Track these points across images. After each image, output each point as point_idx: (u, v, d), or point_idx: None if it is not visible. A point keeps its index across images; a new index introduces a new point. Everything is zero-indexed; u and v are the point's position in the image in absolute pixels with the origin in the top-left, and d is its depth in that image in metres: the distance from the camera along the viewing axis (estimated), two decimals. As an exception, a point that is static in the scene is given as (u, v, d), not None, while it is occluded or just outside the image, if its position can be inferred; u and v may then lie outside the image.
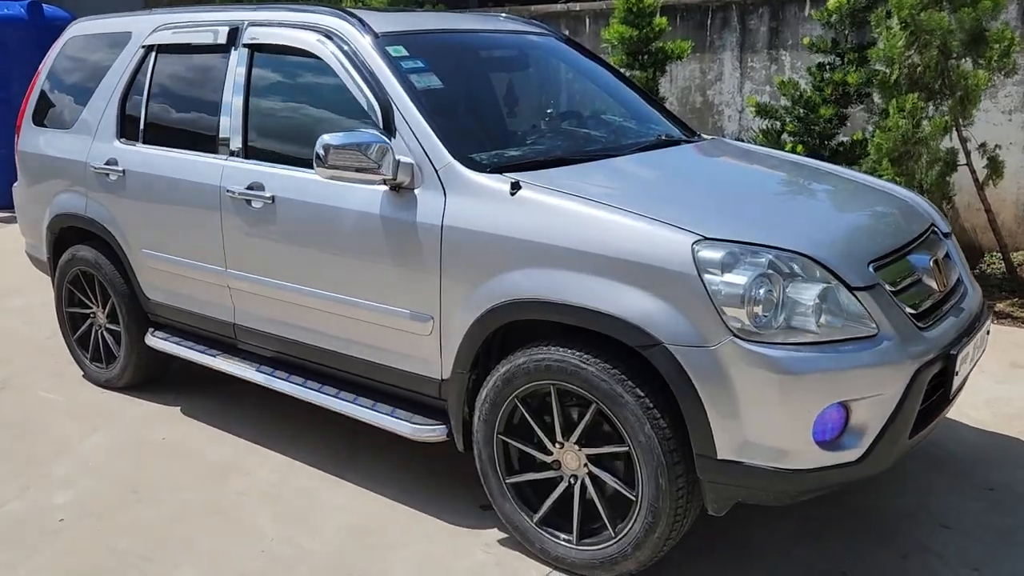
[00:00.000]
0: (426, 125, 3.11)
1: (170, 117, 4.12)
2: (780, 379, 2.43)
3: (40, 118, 4.79)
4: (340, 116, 3.42)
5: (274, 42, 3.65)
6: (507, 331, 2.96)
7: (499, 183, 2.93)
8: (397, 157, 3.06)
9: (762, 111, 6.52)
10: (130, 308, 4.37)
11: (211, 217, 3.76)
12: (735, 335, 2.46)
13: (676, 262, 2.53)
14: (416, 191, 3.08)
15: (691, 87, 7.92)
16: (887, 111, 5.63)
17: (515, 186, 2.88)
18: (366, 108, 3.24)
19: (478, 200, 2.94)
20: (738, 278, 2.48)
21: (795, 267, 2.54)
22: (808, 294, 2.50)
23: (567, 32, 8.45)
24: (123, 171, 4.16)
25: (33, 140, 4.78)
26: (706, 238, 2.55)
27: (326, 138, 3.02)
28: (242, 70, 3.74)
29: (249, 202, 3.58)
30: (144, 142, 4.16)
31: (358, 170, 3.02)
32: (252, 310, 3.76)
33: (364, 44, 3.35)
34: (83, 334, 4.73)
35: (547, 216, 2.78)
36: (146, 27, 4.29)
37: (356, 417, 3.39)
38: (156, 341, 4.25)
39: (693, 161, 3.63)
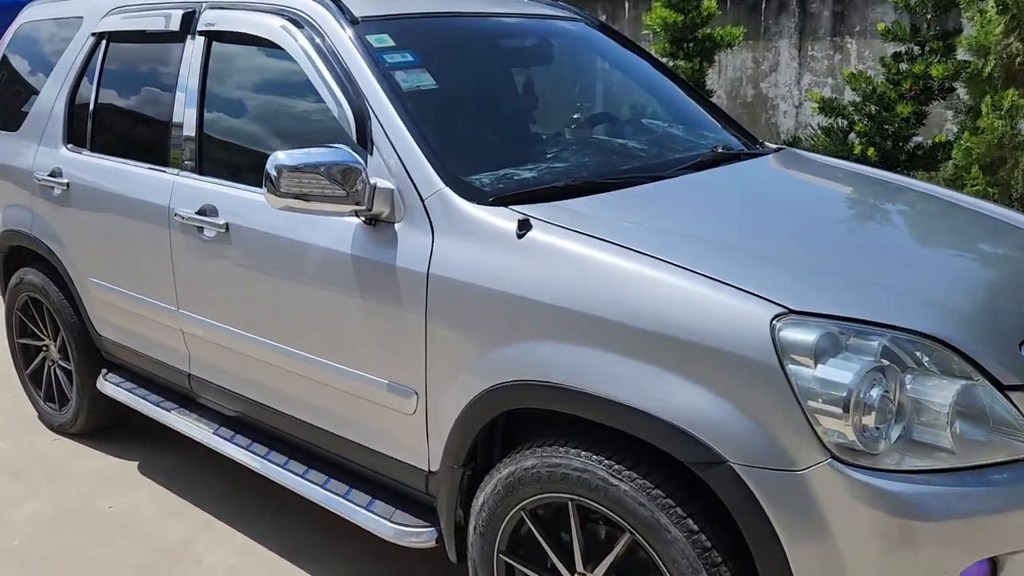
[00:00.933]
0: (411, 139, 2.38)
1: (119, 121, 3.44)
2: (901, 525, 1.66)
3: (-12, 118, 4.15)
4: (309, 125, 2.71)
5: (233, 29, 2.93)
6: (513, 412, 2.23)
7: (503, 220, 2.18)
8: (373, 181, 2.33)
9: (826, 107, 5.66)
10: (80, 345, 3.70)
11: (160, 245, 3.06)
12: (834, 456, 1.70)
13: (748, 345, 1.77)
14: (397, 226, 2.35)
15: (742, 78, 7.08)
16: (978, 109, 4.78)
17: (523, 225, 2.13)
18: (336, 115, 2.52)
19: (475, 242, 2.20)
20: (840, 373, 1.71)
21: (921, 356, 1.77)
22: (941, 396, 1.73)
23: (604, 18, 7.66)
24: (67, 184, 3.49)
25: (-20, 143, 4.14)
26: (791, 311, 1.78)
27: (280, 156, 2.28)
28: (197, 64, 3.03)
29: (201, 229, 2.88)
30: (92, 150, 3.48)
31: (321, 199, 2.30)
32: (208, 360, 3.07)
33: (338, 31, 2.61)
34: (36, 369, 4.09)
35: (565, 269, 2.04)
36: (98, 10, 3.59)
37: (324, 506, 2.68)
38: (108, 387, 3.59)
39: (761, 185, 2.81)
